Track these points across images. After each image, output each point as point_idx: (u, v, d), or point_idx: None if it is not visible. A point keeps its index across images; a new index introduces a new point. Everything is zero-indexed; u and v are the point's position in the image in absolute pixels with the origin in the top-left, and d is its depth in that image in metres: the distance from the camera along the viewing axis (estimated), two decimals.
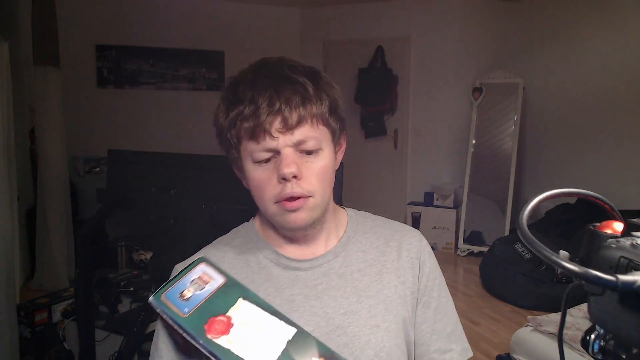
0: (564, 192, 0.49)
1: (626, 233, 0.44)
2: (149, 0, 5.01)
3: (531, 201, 0.46)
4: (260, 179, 0.82)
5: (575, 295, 0.47)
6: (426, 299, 0.89)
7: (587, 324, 0.47)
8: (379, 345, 0.81)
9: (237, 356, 0.50)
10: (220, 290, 0.57)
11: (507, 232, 4.58)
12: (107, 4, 4.93)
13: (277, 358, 0.50)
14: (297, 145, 0.80)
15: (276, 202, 0.81)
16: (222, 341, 0.52)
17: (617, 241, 0.42)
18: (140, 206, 1.79)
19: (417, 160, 5.36)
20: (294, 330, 0.52)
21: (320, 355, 0.52)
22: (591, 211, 3.55)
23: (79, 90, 4.81)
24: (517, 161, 4.73)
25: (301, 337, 0.53)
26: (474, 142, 4.88)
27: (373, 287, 0.86)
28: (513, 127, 4.74)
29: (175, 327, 0.54)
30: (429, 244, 0.95)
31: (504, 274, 3.71)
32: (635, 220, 0.44)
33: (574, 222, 3.86)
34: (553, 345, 2.14)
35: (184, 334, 0.53)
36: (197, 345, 0.53)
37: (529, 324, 2.36)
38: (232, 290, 0.58)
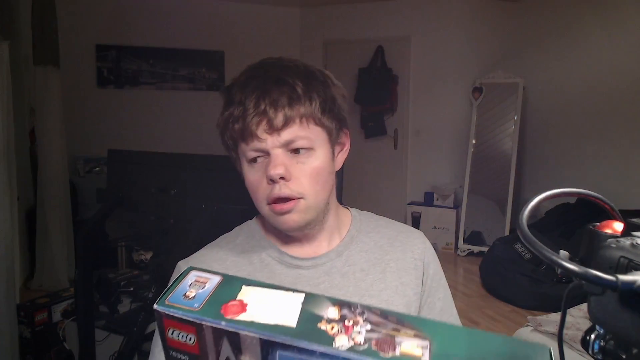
0: (564, 192, 0.49)
1: (626, 233, 0.44)
2: (149, 0, 5.01)
3: (531, 201, 0.46)
4: (254, 180, 0.82)
5: (575, 295, 0.47)
6: (431, 300, 0.90)
7: (587, 324, 0.47)
8: None
9: (263, 324, 0.51)
10: (222, 284, 0.58)
11: (507, 232, 4.58)
12: (107, 4, 4.93)
13: (298, 317, 0.51)
14: (286, 146, 0.79)
15: (268, 204, 0.82)
16: (243, 317, 0.52)
17: (617, 241, 0.42)
18: (140, 206, 1.79)
19: (417, 160, 5.36)
20: (302, 295, 0.53)
21: (334, 304, 0.53)
22: (591, 211, 3.55)
23: (79, 90, 4.82)
24: (517, 161, 4.73)
25: (312, 297, 0.54)
26: (474, 142, 4.87)
27: (376, 286, 0.86)
28: (513, 127, 4.74)
29: (191, 319, 0.53)
30: None
31: (504, 274, 3.71)
32: (635, 220, 0.44)
33: (574, 222, 3.86)
34: (553, 346, 2.13)
35: (203, 322, 0.53)
36: (219, 328, 0.52)
37: (529, 324, 2.35)
38: (233, 282, 0.58)
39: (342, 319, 0.50)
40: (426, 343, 0.45)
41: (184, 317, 0.53)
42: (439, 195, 5.06)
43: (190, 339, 0.54)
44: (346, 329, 0.48)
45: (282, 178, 0.79)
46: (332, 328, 0.49)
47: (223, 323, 0.52)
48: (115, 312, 2.18)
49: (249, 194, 0.86)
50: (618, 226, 0.46)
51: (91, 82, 5.06)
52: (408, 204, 5.22)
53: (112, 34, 5.02)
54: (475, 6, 5.03)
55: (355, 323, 0.49)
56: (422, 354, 0.44)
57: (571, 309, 2.22)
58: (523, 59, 4.84)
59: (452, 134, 5.18)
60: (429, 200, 5.12)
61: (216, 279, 0.57)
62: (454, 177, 5.15)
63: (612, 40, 4.17)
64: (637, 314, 0.39)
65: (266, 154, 0.80)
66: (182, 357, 0.55)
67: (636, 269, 0.39)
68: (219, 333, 0.53)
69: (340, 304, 0.53)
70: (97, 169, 4.76)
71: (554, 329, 2.22)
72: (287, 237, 0.88)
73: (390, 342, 0.46)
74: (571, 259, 0.43)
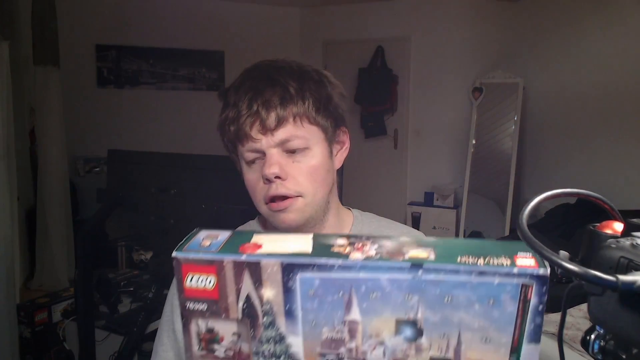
0: (564, 192, 0.49)
1: (626, 233, 0.44)
2: (149, 0, 5.01)
3: (531, 201, 0.46)
4: (252, 180, 0.83)
5: (575, 295, 0.47)
6: None
7: (587, 324, 0.47)
8: None
9: (281, 253, 0.53)
10: (233, 235, 0.59)
11: (507, 232, 4.58)
12: (107, 4, 4.93)
13: (312, 246, 0.53)
14: (281, 145, 0.80)
15: (266, 203, 0.82)
16: (261, 252, 0.53)
17: (617, 241, 0.42)
18: (140, 206, 1.79)
19: (417, 160, 5.36)
20: (311, 234, 0.56)
21: (341, 237, 0.56)
22: (591, 211, 3.55)
23: (79, 90, 4.81)
24: (517, 161, 4.73)
25: (320, 235, 0.57)
26: (474, 142, 4.87)
27: None
28: (513, 127, 4.73)
29: (212, 258, 0.54)
30: None
31: None
32: (635, 220, 0.44)
33: (574, 223, 3.86)
34: (553, 345, 2.13)
35: (224, 259, 0.53)
36: (240, 262, 0.53)
37: None
38: (243, 233, 0.61)
39: (352, 243, 0.53)
40: (430, 248, 0.50)
41: (205, 258, 0.54)
42: (439, 195, 5.06)
43: (210, 282, 0.55)
44: (358, 249, 0.52)
45: (277, 177, 0.80)
46: (345, 249, 0.52)
47: (243, 257, 0.53)
48: (115, 312, 2.19)
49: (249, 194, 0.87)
50: (618, 226, 0.46)
51: (91, 82, 5.05)
52: (408, 204, 5.22)
53: (112, 34, 5.02)
54: (475, 6, 5.03)
55: (364, 245, 0.53)
56: (429, 255, 0.49)
57: (571, 309, 2.22)
58: (523, 59, 4.84)
59: (452, 134, 5.18)
60: (429, 200, 5.12)
61: (227, 233, 0.59)
62: (454, 177, 5.15)
63: (612, 40, 4.17)
64: (637, 314, 0.39)
65: (262, 154, 0.81)
66: (201, 307, 0.55)
67: (636, 269, 0.39)
68: (239, 268, 0.54)
69: (347, 236, 0.56)
70: (97, 169, 4.76)
71: (554, 329, 2.22)
72: None
73: (399, 252, 0.50)
74: (571, 259, 0.43)
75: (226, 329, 0.56)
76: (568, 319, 2.19)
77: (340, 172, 0.92)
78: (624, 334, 0.41)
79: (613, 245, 0.42)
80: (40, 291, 3.41)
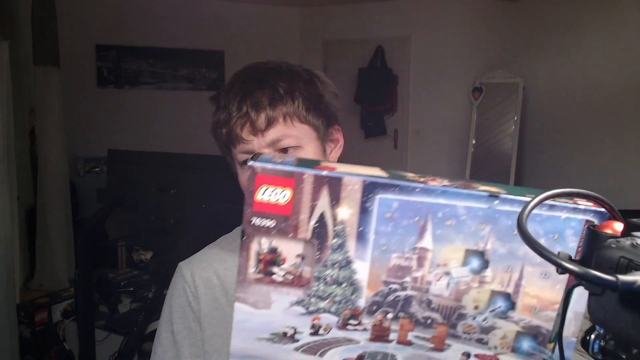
0: (564, 192, 0.49)
1: (626, 233, 0.44)
2: (149, 0, 5.01)
3: (531, 201, 0.46)
4: (245, 181, 0.83)
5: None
6: None
7: (587, 324, 0.47)
8: None
9: (360, 173, 0.52)
10: (300, 160, 0.57)
11: None
12: (107, 4, 4.93)
13: (386, 174, 0.53)
14: (273, 145, 0.80)
15: None
16: (338, 169, 0.52)
17: (617, 241, 0.42)
18: (140, 206, 1.79)
19: (417, 160, 5.36)
20: (379, 167, 0.55)
21: (410, 173, 0.55)
22: None
23: (79, 90, 4.81)
24: (517, 161, 4.72)
25: (390, 169, 0.56)
26: (474, 142, 4.87)
27: None
28: (513, 127, 4.73)
29: (292, 170, 0.51)
30: None
31: None
32: (635, 220, 0.44)
33: None
34: None
35: (305, 172, 0.51)
36: (321, 176, 0.51)
37: None
38: (309, 159, 0.61)
39: (423, 176, 0.53)
40: (498, 187, 0.52)
41: (284, 169, 0.52)
42: None
43: (284, 196, 0.52)
44: (432, 180, 0.53)
45: None
46: (420, 178, 0.53)
47: (325, 172, 0.51)
48: (115, 312, 2.19)
49: None
50: (618, 226, 0.46)
51: (91, 82, 5.06)
52: None
53: (112, 34, 5.02)
54: (475, 6, 5.03)
55: (435, 179, 0.53)
56: (499, 190, 0.50)
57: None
58: (523, 59, 4.84)
59: (452, 134, 5.18)
60: None
61: (293, 157, 0.57)
62: (454, 177, 5.14)
63: (612, 40, 4.17)
64: (637, 314, 0.39)
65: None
66: (268, 223, 0.53)
67: (636, 269, 0.39)
68: (319, 183, 0.52)
69: (414, 173, 0.56)
70: (97, 169, 4.76)
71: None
72: None
73: (471, 186, 0.51)
74: (571, 259, 0.43)
75: (290, 250, 0.53)
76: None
77: None
78: (624, 334, 0.41)
79: (613, 245, 0.42)
80: (40, 291, 3.41)
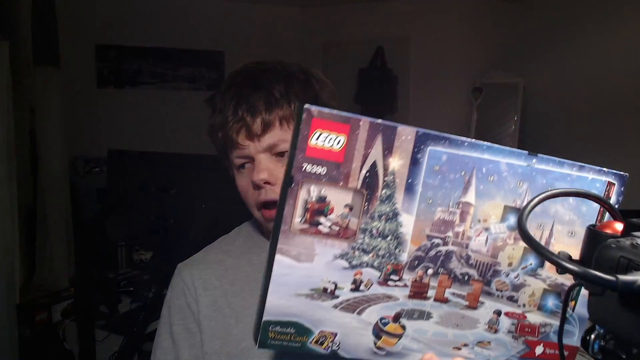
0: (564, 192, 0.49)
1: (626, 233, 0.44)
2: (149, 0, 5.01)
3: (531, 201, 0.46)
4: (242, 185, 0.83)
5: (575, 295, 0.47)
6: None
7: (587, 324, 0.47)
8: None
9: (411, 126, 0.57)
10: None
11: None
12: (107, 4, 4.93)
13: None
14: (270, 150, 0.79)
15: (258, 209, 0.82)
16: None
17: (617, 241, 0.42)
18: (140, 206, 1.79)
19: None
20: None
21: None
22: None
23: (79, 90, 4.81)
24: None
25: None
26: None
27: None
28: (513, 127, 4.73)
29: (348, 115, 0.53)
30: None
31: None
32: (635, 220, 0.44)
33: None
34: None
35: (361, 119, 0.53)
36: (377, 123, 0.54)
37: None
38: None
39: None
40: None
41: (341, 114, 0.52)
42: None
43: (338, 142, 0.52)
44: None
45: (267, 183, 0.79)
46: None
47: (379, 120, 0.53)
48: (115, 312, 2.19)
49: None
50: (618, 226, 0.46)
51: (91, 82, 5.05)
52: None
53: (112, 34, 5.02)
54: (475, 6, 5.02)
55: None
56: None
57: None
58: (523, 59, 4.84)
59: (452, 134, 5.17)
60: None
61: None
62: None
63: (612, 40, 4.16)
64: (637, 314, 0.39)
65: (251, 159, 0.80)
66: (319, 170, 0.51)
67: (636, 269, 0.39)
68: (374, 131, 0.53)
69: None
70: (97, 169, 4.75)
71: None
72: None
73: None
74: (571, 259, 0.43)
75: (339, 199, 0.52)
76: None
77: None
78: (624, 333, 0.42)
79: (613, 245, 0.42)
80: (40, 291, 3.41)
